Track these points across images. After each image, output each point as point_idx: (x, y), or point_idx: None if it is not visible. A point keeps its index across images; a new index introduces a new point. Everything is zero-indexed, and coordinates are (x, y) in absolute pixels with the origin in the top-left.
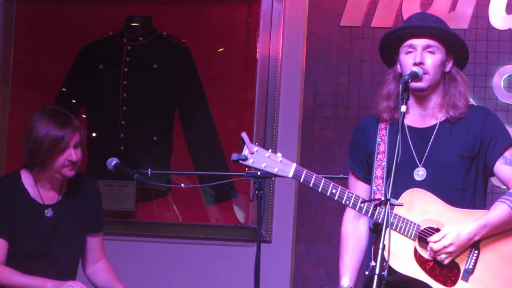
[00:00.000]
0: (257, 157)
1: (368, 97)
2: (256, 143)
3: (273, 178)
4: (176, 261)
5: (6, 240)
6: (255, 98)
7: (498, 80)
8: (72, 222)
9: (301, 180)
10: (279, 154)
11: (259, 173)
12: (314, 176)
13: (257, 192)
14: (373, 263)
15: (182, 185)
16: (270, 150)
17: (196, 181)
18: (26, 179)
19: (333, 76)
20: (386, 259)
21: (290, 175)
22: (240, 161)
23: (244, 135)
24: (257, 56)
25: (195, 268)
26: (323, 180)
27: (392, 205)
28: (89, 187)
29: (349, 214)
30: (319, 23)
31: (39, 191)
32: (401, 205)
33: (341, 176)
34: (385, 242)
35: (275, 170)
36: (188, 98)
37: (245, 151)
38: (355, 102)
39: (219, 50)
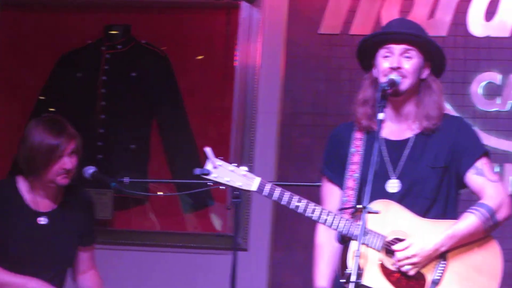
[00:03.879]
0: (220, 171)
1: (346, 104)
2: (221, 158)
3: None
4: (153, 269)
5: None
6: (233, 106)
7: (476, 87)
8: (65, 233)
9: (265, 194)
10: (243, 168)
11: None
12: (277, 190)
13: (234, 200)
14: (349, 271)
15: (160, 193)
16: (234, 164)
17: (173, 189)
18: (22, 185)
19: (311, 84)
20: (361, 266)
21: (254, 188)
22: (203, 176)
23: (207, 149)
24: (235, 64)
25: (173, 276)
26: (286, 194)
27: (369, 212)
28: (84, 200)
29: None
30: (298, 30)
31: (35, 198)
32: (378, 213)
33: (318, 184)
34: (360, 250)
35: (238, 184)
36: (166, 106)
37: (208, 165)
38: (334, 109)
39: (197, 58)
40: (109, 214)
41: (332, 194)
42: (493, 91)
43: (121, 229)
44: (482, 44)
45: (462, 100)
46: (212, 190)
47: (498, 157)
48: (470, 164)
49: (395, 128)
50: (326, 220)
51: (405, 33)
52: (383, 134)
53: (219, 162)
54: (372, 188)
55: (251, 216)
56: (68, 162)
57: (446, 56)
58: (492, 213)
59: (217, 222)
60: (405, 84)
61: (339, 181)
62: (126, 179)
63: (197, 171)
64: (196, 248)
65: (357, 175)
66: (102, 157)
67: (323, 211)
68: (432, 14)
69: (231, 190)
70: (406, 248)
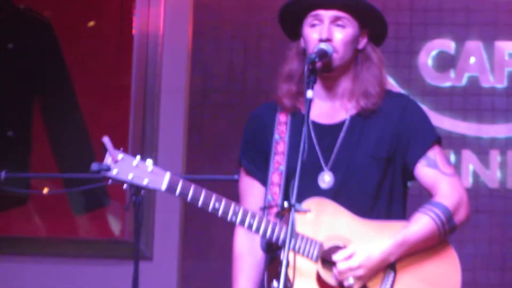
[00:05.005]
0: (122, 166)
1: (268, 80)
2: (122, 149)
3: None
4: (39, 283)
5: None
6: (132, 83)
7: (425, 58)
8: None
9: (177, 193)
10: (149, 162)
11: None
12: (192, 188)
13: (134, 198)
14: (275, 285)
15: (45, 190)
16: (138, 157)
17: (61, 185)
18: None
19: (226, 55)
20: (290, 278)
21: (163, 187)
22: (102, 173)
23: (105, 139)
24: (133, 32)
25: None
26: (203, 192)
27: (298, 211)
28: None
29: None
30: None
31: None
32: (309, 211)
33: (236, 178)
34: (288, 258)
35: (144, 182)
36: (51, 84)
37: (108, 160)
38: (253, 86)
39: (88, 25)
40: None
41: (252, 190)
42: (445, 62)
43: None
44: (431, 5)
45: (409, 74)
46: (107, 186)
47: (453, 142)
48: (420, 154)
49: (326, 108)
50: (251, 225)
51: None
52: (312, 117)
53: (120, 155)
54: (301, 183)
55: (156, 218)
56: None
57: (388, 21)
58: (449, 215)
59: (115, 226)
60: (337, 60)
61: (260, 175)
62: (2, 173)
63: (95, 166)
64: (91, 257)
65: (283, 167)
66: None
67: (247, 213)
68: None
69: (131, 188)
70: (348, 257)
